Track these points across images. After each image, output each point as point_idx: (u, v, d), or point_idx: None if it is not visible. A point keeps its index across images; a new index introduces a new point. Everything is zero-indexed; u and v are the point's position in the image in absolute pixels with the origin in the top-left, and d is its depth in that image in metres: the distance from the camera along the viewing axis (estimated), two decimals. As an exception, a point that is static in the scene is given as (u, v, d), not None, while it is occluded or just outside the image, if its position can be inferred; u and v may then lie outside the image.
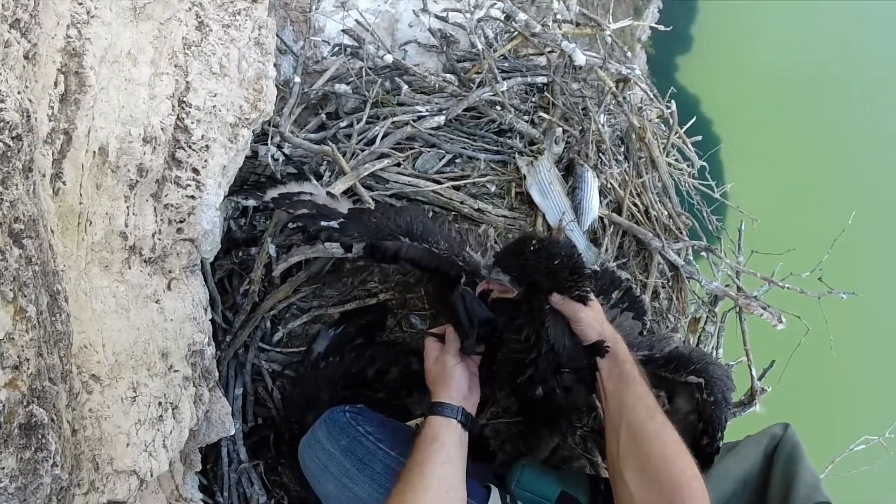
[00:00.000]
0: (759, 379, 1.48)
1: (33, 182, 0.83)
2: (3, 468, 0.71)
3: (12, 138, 0.78)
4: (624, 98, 1.75)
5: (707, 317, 1.58)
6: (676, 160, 1.86)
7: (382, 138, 1.63)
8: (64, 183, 1.00)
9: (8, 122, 0.78)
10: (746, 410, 1.45)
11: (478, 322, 1.21)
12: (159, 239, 1.25)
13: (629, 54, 1.98)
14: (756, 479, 1.19)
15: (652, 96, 1.90)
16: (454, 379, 1.21)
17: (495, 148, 1.68)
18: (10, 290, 0.73)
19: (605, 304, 1.45)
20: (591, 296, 1.20)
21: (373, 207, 1.51)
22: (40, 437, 0.76)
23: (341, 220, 1.36)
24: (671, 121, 1.84)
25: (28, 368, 0.75)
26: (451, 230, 1.39)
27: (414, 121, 1.64)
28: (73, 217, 1.03)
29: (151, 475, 1.09)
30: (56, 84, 1.04)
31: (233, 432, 1.38)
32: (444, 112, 1.65)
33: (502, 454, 1.53)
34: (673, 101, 1.86)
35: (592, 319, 1.17)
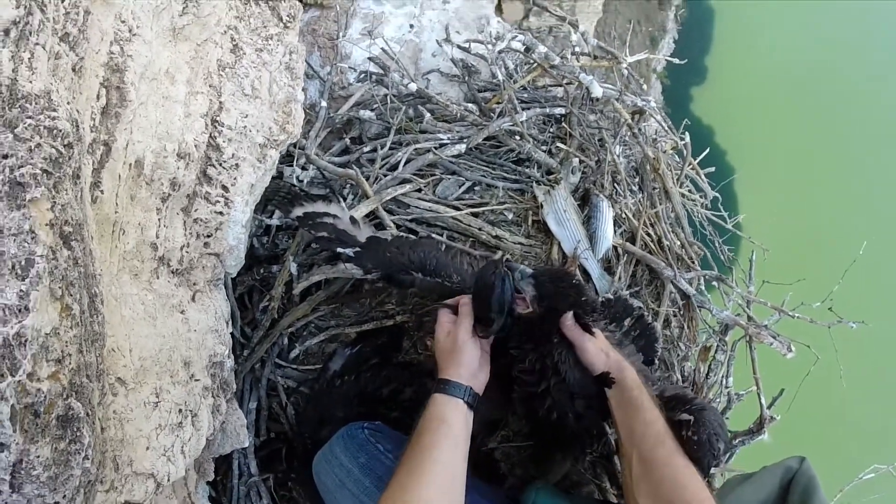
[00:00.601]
0: (769, 407, 1.49)
1: (80, 189, 0.88)
2: (39, 457, 0.75)
3: (64, 146, 0.84)
4: (639, 129, 1.80)
5: (717, 345, 1.60)
6: (690, 191, 1.90)
7: (405, 164, 1.69)
8: (102, 192, 1.06)
9: (61, 131, 0.84)
10: (755, 439, 1.46)
11: (507, 309, 1.17)
12: (187, 252, 1.31)
13: (644, 86, 2.04)
14: None
15: (666, 128, 1.95)
16: (465, 355, 1.17)
17: (513, 177, 1.73)
18: (59, 287, 0.78)
19: (617, 331, 1.48)
20: (596, 328, 1.23)
21: (392, 236, 1.55)
22: (76, 429, 0.80)
23: (357, 249, 1.41)
24: (685, 152, 1.89)
25: (70, 363, 0.80)
26: (464, 263, 1.43)
27: (436, 148, 1.70)
28: (108, 225, 1.08)
29: (168, 479, 1.12)
30: (98, 97, 1.10)
31: (247, 444, 1.41)
32: (464, 140, 1.71)
33: (512, 478, 1.54)
34: (687, 133, 1.91)
35: (598, 349, 1.20)
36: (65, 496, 0.80)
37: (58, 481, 0.78)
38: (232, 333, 1.55)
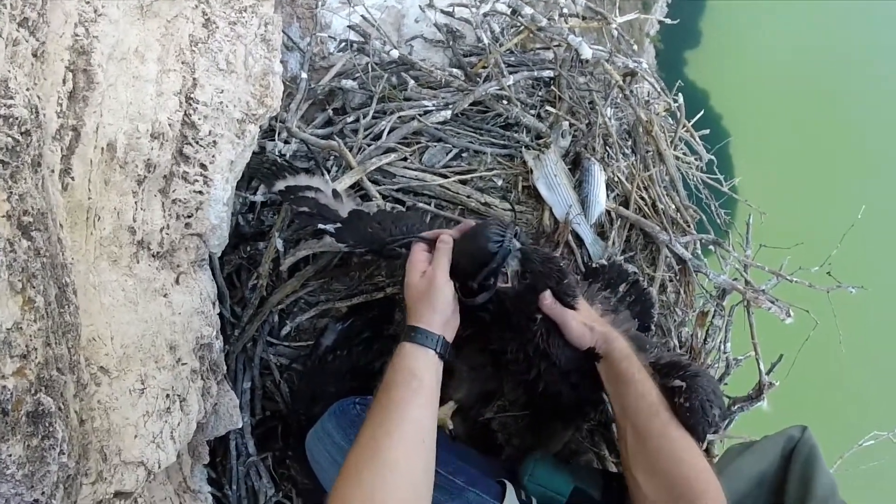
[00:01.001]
0: (768, 373, 1.47)
1: (42, 177, 0.84)
2: (11, 455, 0.73)
3: (21, 133, 0.79)
4: (631, 91, 1.74)
5: (715, 310, 1.57)
6: (684, 154, 1.85)
7: (389, 133, 1.64)
8: (73, 178, 1.02)
9: (17, 118, 0.79)
10: (754, 405, 1.44)
11: (493, 272, 1.07)
12: (167, 234, 1.27)
13: (636, 48, 1.97)
14: (772, 479, 1.17)
15: (659, 90, 1.89)
16: (441, 300, 1.05)
17: (502, 142, 1.68)
18: (19, 280, 0.75)
19: (612, 297, 1.45)
20: (579, 300, 1.18)
21: (377, 207, 1.51)
22: (47, 425, 0.78)
23: (338, 225, 1.36)
24: (678, 114, 1.83)
25: (36, 357, 0.77)
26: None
27: (420, 115, 1.64)
28: (81, 212, 1.04)
29: (159, 466, 1.10)
30: (65, 81, 1.05)
31: (240, 425, 1.40)
32: (450, 106, 1.66)
33: (510, 448, 1.53)
34: (680, 94, 1.85)
35: (581, 324, 1.14)
36: (43, 493, 0.78)
37: (34, 479, 0.76)
38: (221, 314, 1.53)
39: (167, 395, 1.17)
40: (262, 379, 1.60)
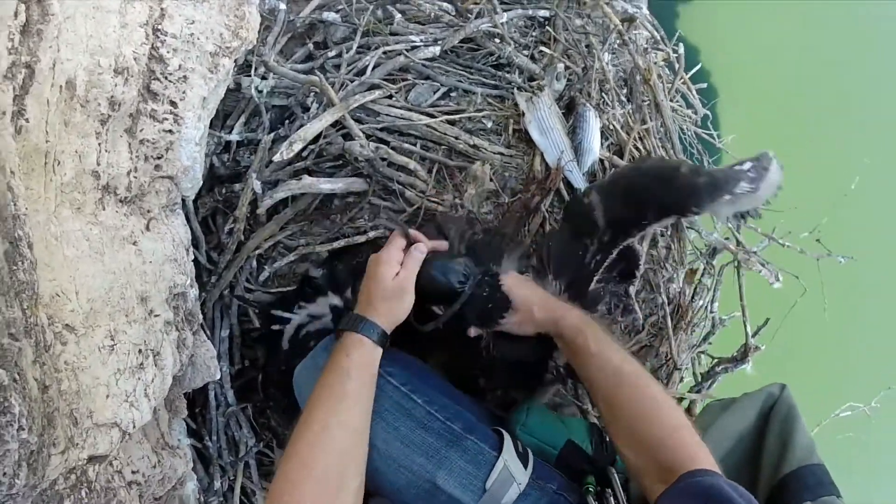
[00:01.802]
0: (753, 336, 1.44)
1: (-15, 119, 0.72)
2: (-38, 437, 0.65)
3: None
4: (630, 37, 1.62)
5: (705, 269, 1.52)
6: (680, 106, 1.75)
7: (373, 69, 1.50)
8: (27, 120, 0.89)
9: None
10: (738, 367, 1.42)
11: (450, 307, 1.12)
12: (135, 177, 1.15)
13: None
14: (750, 437, 1.16)
15: (659, 38, 1.76)
16: (403, 311, 1.06)
17: (493, 82, 1.56)
18: (-43, 241, 0.64)
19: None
20: (517, 290, 1.14)
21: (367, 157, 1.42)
22: (1, 399, 0.69)
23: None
24: (677, 66, 1.72)
25: (-17, 327, 0.67)
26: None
27: (407, 51, 1.51)
28: (38, 157, 0.92)
29: (133, 426, 1.03)
30: (16, 14, 0.90)
31: (218, 376, 1.33)
32: (439, 43, 1.52)
33: (491, 395, 1.49)
34: (681, 44, 1.73)
35: (520, 319, 1.12)
36: (5, 473, 0.70)
37: (-8, 460, 0.68)
38: (197, 260, 1.43)
39: (140, 351, 1.08)
40: (241, 326, 1.52)
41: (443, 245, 1.22)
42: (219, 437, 1.44)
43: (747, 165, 1.15)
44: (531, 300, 1.13)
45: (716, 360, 1.42)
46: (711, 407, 1.27)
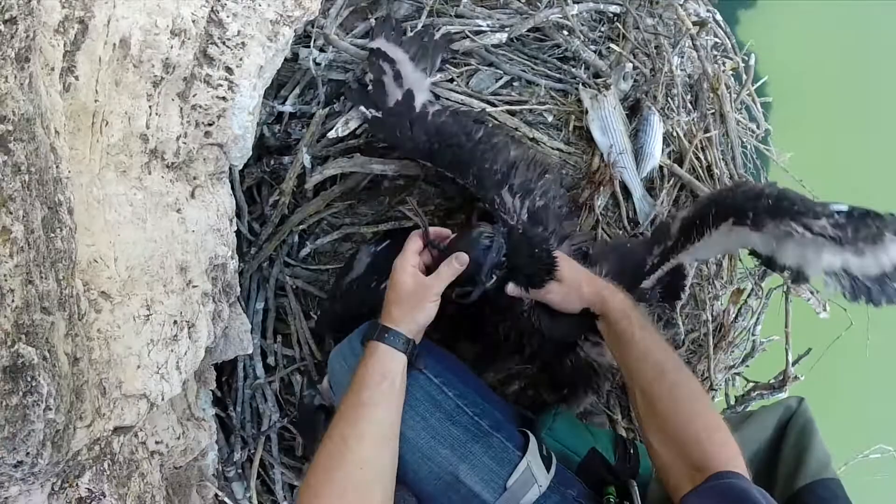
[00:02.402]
0: (793, 364, 1.32)
1: (29, 74, 0.63)
2: (-16, 418, 0.57)
3: (4, 21, 0.58)
4: (700, 43, 1.47)
5: (752, 290, 1.40)
6: (744, 118, 1.61)
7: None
8: (77, 78, 0.81)
9: (1, 3, 0.57)
10: (775, 394, 1.30)
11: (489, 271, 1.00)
12: (184, 143, 1.06)
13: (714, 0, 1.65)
14: (767, 449, 1.08)
15: (730, 46, 1.61)
16: (426, 311, 0.96)
17: (557, 75, 1.43)
18: (-9, 207, 0.56)
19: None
20: (556, 271, 1.03)
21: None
22: (29, 379, 0.62)
23: (378, 115, 1.24)
24: (745, 76, 1.57)
25: (13, 301, 0.60)
26: (497, 158, 1.18)
27: (473, 35, 1.39)
28: (86, 116, 0.84)
29: (162, 399, 0.96)
30: (72, -34, 0.81)
31: (250, 350, 1.26)
32: (506, 29, 1.40)
33: (524, 397, 1.40)
34: (752, 55, 1.58)
35: (566, 291, 1.03)
36: (28, 453, 0.64)
37: (16, 440, 0.62)
38: (238, 230, 1.35)
39: (175, 322, 1.01)
40: (277, 301, 1.44)
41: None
42: (243, 409, 1.38)
43: (840, 207, 0.92)
44: (579, 274, 1.06)
45: (752, 385, 1.31)
46: (730, 419, 1.20)
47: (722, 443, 0.88)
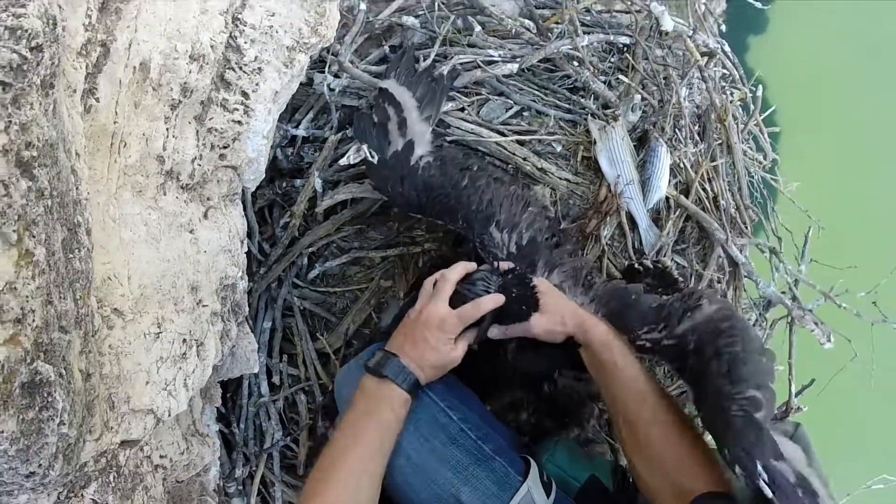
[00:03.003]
0: (796, 395, 1.32)
1: (53, 100, 0.66)
2: (3, 432, 0.60)
3: (31, 49, 0.61)
4: (708, 75, 1.50)
5: (756, 320, 1.41)
6: (751, 149, 1.62)
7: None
8: (97, 100, 0.84)
9: (28, 31, 0.60)
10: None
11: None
12: (199, 164, 1.09)
13: (718, 28, 1.68)
14: None
15: (738, 77, 1.63)
16: (451, 360, 1.00)
17: (567, 106, 1.46)
18: (14, 230, 0.59)
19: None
20: (545, 300, 1.04)
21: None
22: (45, 395, 0.64)
23: (380, 158, 1.23)
24: (752, 107, 1.59)
25: (33, 321, 0.62)
26: (482, 199, 1.19)
27: (485, 64, 1.42)
28: (105, 137, 0.87)
29: (169, 415, 0.98)
30: (97, -10, 0.85)
31: (257, 370, 1.27)
32: (517, 59, 1.43)
33: (527, 426, 1.40)
34: (760, 85, 1.60)
35: (547, 323, 1.03)
36: (40, 465, 0.65)
37: (30, 452, 0.63)
38: (248, 250, 1.37)
39: (184, 340, 1.03)
40: (284, 321, 1.46)
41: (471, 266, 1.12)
42: (246, 426, 1.39)
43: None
44: (562, 306, 1.06)
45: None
46: None
47: (707, 464, 0.90)
